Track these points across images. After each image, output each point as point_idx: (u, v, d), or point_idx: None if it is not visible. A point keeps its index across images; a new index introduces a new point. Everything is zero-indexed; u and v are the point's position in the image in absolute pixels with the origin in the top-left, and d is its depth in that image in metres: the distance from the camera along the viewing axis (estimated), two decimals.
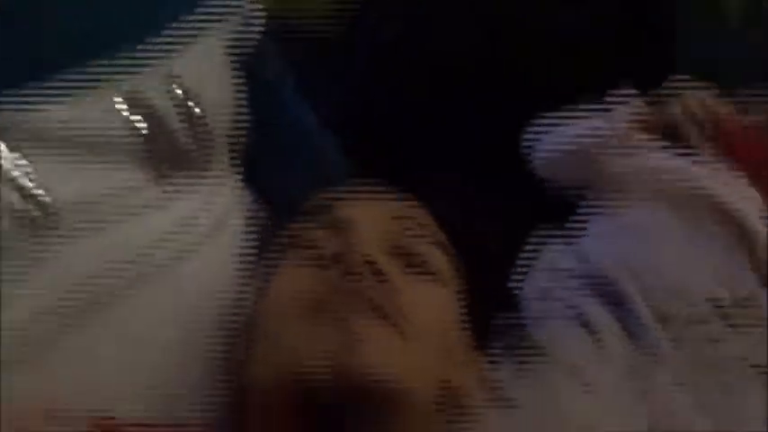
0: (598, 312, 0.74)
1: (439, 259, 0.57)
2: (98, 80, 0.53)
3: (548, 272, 0.82)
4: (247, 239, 0.63)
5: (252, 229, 0.64)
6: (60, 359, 0.50)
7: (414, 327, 0.51)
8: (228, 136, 0.62)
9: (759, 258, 0.83)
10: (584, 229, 0.84)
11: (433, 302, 0.54)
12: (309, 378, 0.48)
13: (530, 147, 0.85)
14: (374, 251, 0.53)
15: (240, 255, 0.62)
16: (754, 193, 0.83)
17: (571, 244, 0.83)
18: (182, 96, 0.57)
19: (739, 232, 0.83)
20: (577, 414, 0.62)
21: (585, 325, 0.72)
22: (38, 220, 0.51)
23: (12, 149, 0.50)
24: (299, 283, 0.53)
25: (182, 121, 0.57)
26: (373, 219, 0.56)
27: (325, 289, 0.51)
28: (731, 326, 0.75)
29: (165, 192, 0.57)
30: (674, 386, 0.70)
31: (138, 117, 0.55)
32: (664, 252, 0.80)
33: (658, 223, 0.82)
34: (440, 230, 0.61)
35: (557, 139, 0.85)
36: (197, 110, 0.58)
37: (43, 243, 0.50)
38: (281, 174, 0.71)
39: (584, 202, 0.85)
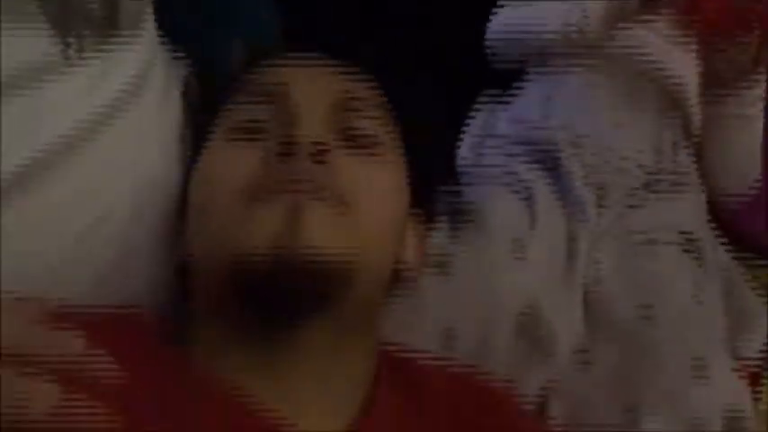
0: (533, 178, 0.75)
1: (382, 134, 0.54)
2: None
3: (485, 136, 0.83)
4: (170, 106, 0.59)
5: (175, 95, 0.59)
6: None
7: (357, 206, 0.49)
8: None
9: (691, 129, 0.84)
10: (523, 95, 0.84)
11: (377, 180, 0.52)
12: (249, 260, 0.46)
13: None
14: (315, 129, 0.51)
15: (163, 122, 0.57)
16: (695, 68, 0.83)
17: (507, 110, 0.83)
18: None
19: (675, 103, 0.84)
20: (510, 283, 0.63)
21: (521, 191, 0.72)
22: None
23: None
24: (236, 161, 0.50)
25: None
26: (315, 92, 0.53)
27: (264, 170, 0.49)
28: (656, 192, 0.76)
29: (70, 57, 0.51)
30: (601, 253, 0.71)
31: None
32: (599, 118, 0.80)
33: (595, 90, 0.82)
34: (383, 102, 0.57)
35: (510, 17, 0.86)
36: None
37: None
38: (206, 33, 0.65)
39: (524, 70, 0.85)
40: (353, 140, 0.53)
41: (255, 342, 0.48)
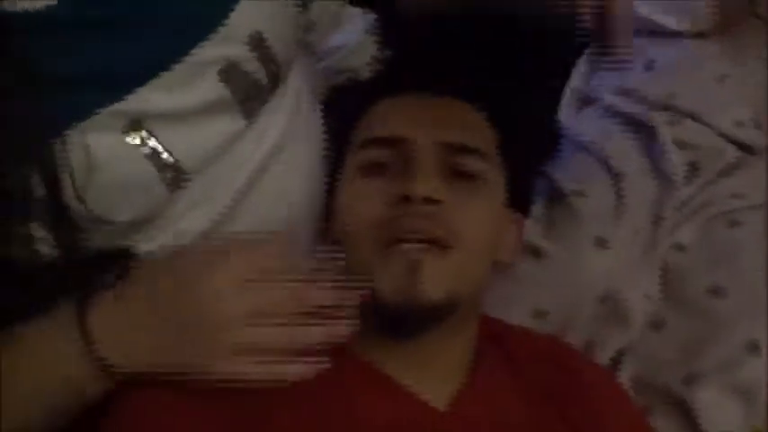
0: (628, 149, 0.81)
1: (487, 169, 0.67)
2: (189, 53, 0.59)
3: (583, 103, 0.88)
4: (314, 141, 0.72)
5: (316, 132, 0.72)
6: None
7: (462, 242, 0.63)
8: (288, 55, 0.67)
9: None
10: (623, 61, 0.87)
11: (479, 215, 0.65)
12: (379, 299, 0.62)
13: None
14: (430, 178, 0.63)
15: (311, 156, 0.70)
16: None
17: (606, 77, 0.87)
18: (259, 43, 0.63)
19: None
20: (593, 271, 0.74)
21: (613, 166, 0.79)
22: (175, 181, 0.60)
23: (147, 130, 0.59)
24: (368, 199, 0.65)
25: (258, 60, 0.63)
26: (430, 138, 0.65)
27: (390, 213, 0.63)
28: (747, 162, 0.80)
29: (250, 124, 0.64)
30: (686, 221, 0.78)
31: (232, 82, 0.62)
32: (701, 81, 0.83)
33: (701, 51, 0.85)
34: (484, 127, 0.69)
35: None
36: (269, 46, 0.63)
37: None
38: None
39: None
40: (461, 176, 0.66)
41: (388, 343, 0.65)
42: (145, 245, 0.61)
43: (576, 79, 0.90)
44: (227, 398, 0.58)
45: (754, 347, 0.72)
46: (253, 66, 0.63)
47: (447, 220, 0.63)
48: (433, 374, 0.64)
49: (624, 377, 0.76)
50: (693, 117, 0.81)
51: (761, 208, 0.80)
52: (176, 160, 0.59)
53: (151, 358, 0.55)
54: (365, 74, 0.76)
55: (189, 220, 0.62)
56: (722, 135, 0.81)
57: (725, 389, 0.72)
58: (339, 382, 0.62)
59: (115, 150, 0.57)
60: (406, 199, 0.63)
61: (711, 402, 0.72)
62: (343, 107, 0.73)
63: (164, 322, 0.55)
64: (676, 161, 0.80)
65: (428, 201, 0.63)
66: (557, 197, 0.79)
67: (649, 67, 0.86)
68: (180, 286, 0.55)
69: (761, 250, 0.78)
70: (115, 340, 0.54)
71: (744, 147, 0.82)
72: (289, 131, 0.69)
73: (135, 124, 0.58)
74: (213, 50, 0.61)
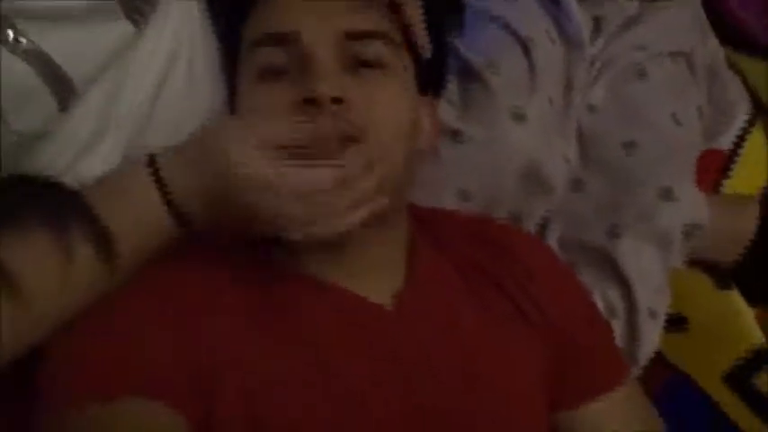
0: (535, 14, 0.80)
1: (387, 54, 0.64)
2: None
3: None
4: (210, 45, 0.68)
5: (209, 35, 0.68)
6: None
7: (378, 133, 0.61)
8: None
9: None
10: None
11: (390, 100, 0.63)
12: None
13: None
14: (332, 75, 0.61)
15: (208, 62, 0.67)
16: None
17: None
18: None
19: None
20: (512, 144, 0.76)
21: (522, 36, 0.79)
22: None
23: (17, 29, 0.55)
24: (270, 106, 0.62)
25: None
26: (323, 31, 0.62)
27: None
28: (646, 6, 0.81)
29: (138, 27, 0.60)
30: (596, 80, 0.80)
31: None
32: None
33: None
34: (385, 10, 0.65)
35: None
36: None
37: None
38: None
39: None
40: (365, 65, 0.64)
41: (323, 253, 0.64)
42: (51, 163, 0.59)
43: None
44: (183, 320, 0.59)
45: (667, 194, 0.76)
46: None
47: (356, 117, 0.61)
48: (373, 275, 0.65)
49: (551, 239, 0.80)
50: None
51: (664, 56, 0.82)
52: (61, 69, 0.56)
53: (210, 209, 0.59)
54: None
55: (101, 145, 0.61)
56: None
57: (644, 236, 0.76)
58: (285, 296, 0.63)
59: None
60: (311, 101, 0.61)
61: (632, 250, 0.77)
62: (229, 4, 0.68)
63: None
64: (581, 19, 0.80)
65: (334, 101, 0.61)
66: (468, 73, 0.79)
67: None
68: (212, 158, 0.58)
69: (667, 98, 0.80)
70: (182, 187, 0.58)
71: None
72: (183, 37, 0.65)
73: (4, 22, 0.55)
74: None
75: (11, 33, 0.54)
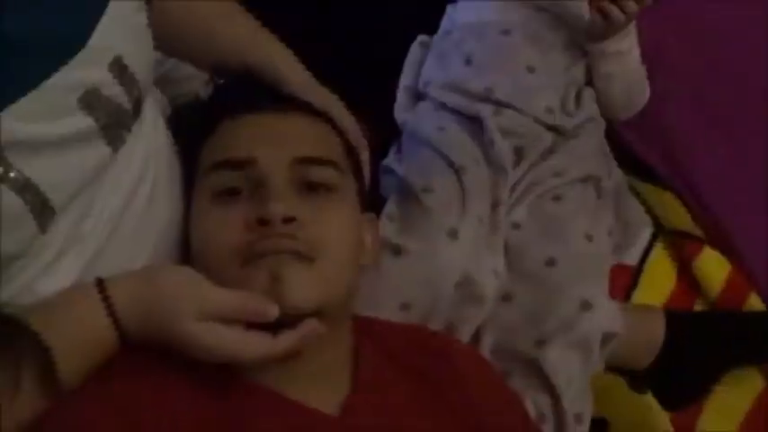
0: (463, 142, 0.89)
1: (335, 178, 0.70)
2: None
3: (417, 98, 0.96)
4: (174, 161, 0.73)
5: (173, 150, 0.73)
6: None
7: (323, 251, 0.66)
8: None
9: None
10: (445, 56, 0.96)
11: (335, 222, 0.68)
12: None
13: None
14: (284, 197, 0.65)
15: (173, 177, 0.72)
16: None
17: (434, 69, 0.95)
18: (120, 67, 0.62)
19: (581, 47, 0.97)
20: (448, 261, 0.82)
21: (454, 161, 0.88)
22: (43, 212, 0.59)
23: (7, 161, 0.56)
24: (225, 226, 0.66)
25: (120, 84, 0.62)
26: (276, 156, 0.68)
27: (248, 236, 0.65)
28: (563, 141, 0.92)
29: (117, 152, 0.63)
30: (518, 202, 0.89)
31: (95, 108, 0.60)
32: (515, 71, 0.94)
33: (511, 39, 0.95)
34: (331, 136, 0.73)
35: None
36: (131, 71, 0.63)
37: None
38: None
39: None
40: (315, 188, 0.69)
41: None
42: (16, 289, 0.60)
43: (407, 77, 0.98)
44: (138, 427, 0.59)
45: (585, 305, 0.83)
46: (115, 90, 0.62)
47: (306, 235, 0.66)
48: (318, 382, 0.68)
49: (484, 348, 0.85)
50: (511, 107, 0.91)
51: (577, 182, 0.92)
52: (44, 196, 0.58)
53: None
54: (207, 94, 0.77)
55: (62, 263, 0.62)
56: (537, 121, 0.92)
57: (568, 344, 0.83)
58: (241, 411, 0.64)
59: None
60: (263, 222, 0.65)
61: (558, 358, 0.83)
62: (189, 129, 0.74)
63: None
64: (504, 149, 0.90)
65: (285, 220, 0.65)
66: (407, 194, 0.86)
67: (468, 62, 0.95)
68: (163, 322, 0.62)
69: (580, 218, 0.90)
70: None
71: (556, 130, 0.93)
72: (150, 159, 0.69)
73: None
74: (73, 75, 0.59)
75: (5, 164, 0.56)
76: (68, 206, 0.61)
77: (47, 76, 0.57)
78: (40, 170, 0.58)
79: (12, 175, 0.56)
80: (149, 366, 0.64)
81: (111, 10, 0.61)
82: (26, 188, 0.57)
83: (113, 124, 0.63)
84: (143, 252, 0.68)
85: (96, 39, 0.60)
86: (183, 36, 0.76)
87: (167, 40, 0.72)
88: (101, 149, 0.63)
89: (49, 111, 0.58)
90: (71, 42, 0.59)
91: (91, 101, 0.60)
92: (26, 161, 0.57)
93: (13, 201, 0.57)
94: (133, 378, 0.63)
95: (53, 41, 0.58)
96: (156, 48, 0.68)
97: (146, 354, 0.63)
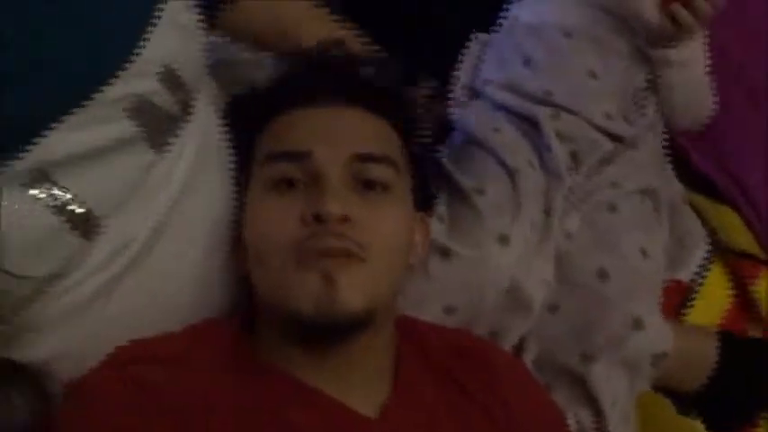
0: (518, 144, 0.87)
1: (391, 177, 0.68)
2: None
3: (473, 96, 0.94)
4: (225, 159, 0.72)
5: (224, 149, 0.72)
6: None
7: (378, 251, 0.65)
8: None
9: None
10: (504, 55, 0.94)
11: (391, 220, 0.67)
12: (297, 315, 0.63)
13: None
14: (340, 194, 0.64)
15: (224, 175, 0.71)
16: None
17: (490, 70, 0.93)
18: (170, 74, 0.62)
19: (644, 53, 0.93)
20: (496, 267, 0.80)
21: (508, 163, 0.85)
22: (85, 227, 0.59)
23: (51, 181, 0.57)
24: (279, 220, 0.65)
25: (168, 91, 0.62)
26: (333, 152, 0.66)
27: (303, 234, 0.64)
28: (623, 149, 0.88)
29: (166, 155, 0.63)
30: (572, 210, 0.86)
31: (142, 117, 0.61)
32: (575, 75, 0.91)
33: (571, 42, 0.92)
34: (389, 133, 0.71)
35: None
36: (179, 76, 0.63)
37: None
38: None
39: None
40: (371, 186, 0.68)
41: (312, 357, 0.66)
42: (62, 299, 0.60)
43: (464, 75, 0.95)
44: (165, 416, 0.59)
45: (637, 323, 0.80)
46: (164, 98, 0.62)
47: (360, 235, 0.64)
48: (358, 383, 0.67)
49: (527, 359, 0.83)
50: (570, 111, 0.88)
51: (634, 193, 0.89)
52: (87, 209, 0.58)
53: None
54: (265, 85, 0.75)
55: (110, 268, 0.62)
56: (596, 127, 0.88)
57: (615, 362, 0.80)
58: (270, 399, 0.63)
59: (19, 206, 0.56)
60: (318, 218, 0.64)
61: (604, 375, 0.80)
62: (245, 119, 0.72)
63: None
64: (560, 153, 0.86)
65: (340, 219, 0.64)
66: (457, 195, 0.84)
67: (527, 62, 0.92)
68: None
69: (636, 232, 0.86)
70: None
71: (615, 137, 0.89)
72: (200, 158, 0.68)
73: (39, 175, 0.56)
74: (123, 87, 0.59)
75: (47, 185, 0.56)
76: (115, 211, 0.61)
77: (92, 92, 0.57)
78: (84, 183, 0.58)
79: (55, 192, 0.56)
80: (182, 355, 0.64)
81: (162, 14, 0.61)
82: (66, 205, 0.57)
83: (160, 130, 0.62)
84: (192, 248, 0.67)
85: (147, 51, 0.60)
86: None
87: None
88: (144, 154, 0.62)
89: (96, 123, 0.58)
90: (119, 56, 0.59)
91: (140, 110, 0.61)
92: (71, 175, 0.57)
93: (49, 221, 0.57)
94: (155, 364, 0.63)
95: (99, 57, 0.58)
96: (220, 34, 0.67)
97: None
